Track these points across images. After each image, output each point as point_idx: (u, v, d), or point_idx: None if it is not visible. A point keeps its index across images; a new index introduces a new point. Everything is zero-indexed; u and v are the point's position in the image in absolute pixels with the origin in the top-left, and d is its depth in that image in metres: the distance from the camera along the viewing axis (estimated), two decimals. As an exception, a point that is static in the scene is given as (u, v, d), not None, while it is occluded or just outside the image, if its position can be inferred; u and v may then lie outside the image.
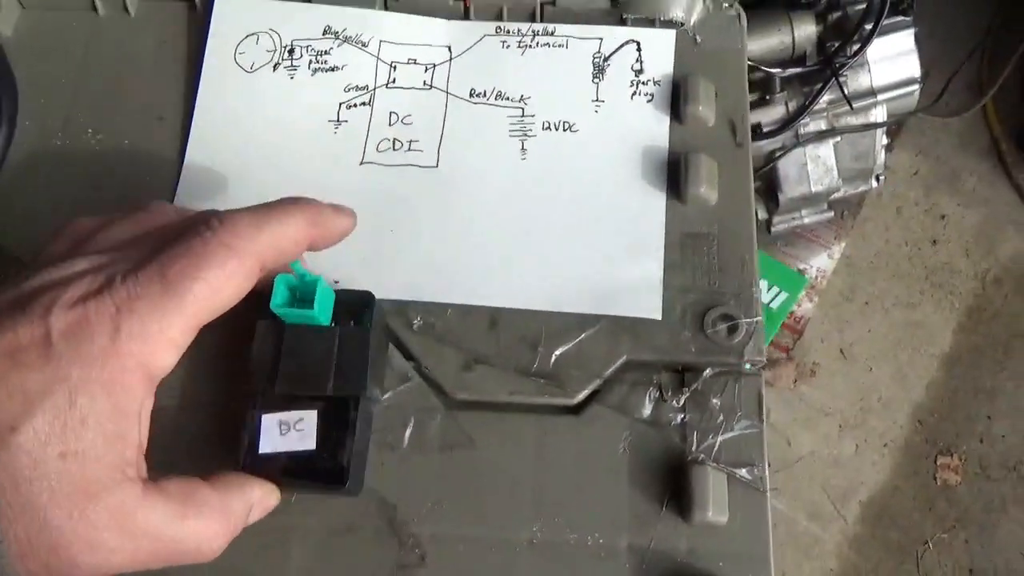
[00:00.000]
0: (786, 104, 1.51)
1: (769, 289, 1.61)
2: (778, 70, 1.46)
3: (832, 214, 1.69)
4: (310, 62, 0.67)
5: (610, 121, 0.66)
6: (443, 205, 0.63)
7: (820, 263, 1.80)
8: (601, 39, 0.68)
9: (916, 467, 1.68)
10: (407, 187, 0.64)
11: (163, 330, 0.43)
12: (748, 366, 0.57)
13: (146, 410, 0.44)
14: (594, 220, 0.62)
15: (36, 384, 0.40)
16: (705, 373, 0.56)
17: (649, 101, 0.66)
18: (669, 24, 0.67)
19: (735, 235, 0.61)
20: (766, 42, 1.49)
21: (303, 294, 0.51)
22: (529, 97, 0.67)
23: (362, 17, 0.68)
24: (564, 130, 0.66)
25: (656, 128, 0.65)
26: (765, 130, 1.51)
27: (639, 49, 0.67)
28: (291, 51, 0.67)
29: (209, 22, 0.68)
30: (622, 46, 0.68)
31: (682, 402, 0.56)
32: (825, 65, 1.46)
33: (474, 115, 0.67)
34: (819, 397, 1.74)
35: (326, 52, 0.67)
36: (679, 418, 0.55)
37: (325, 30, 0.68)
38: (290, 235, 0.49)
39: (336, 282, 0.61)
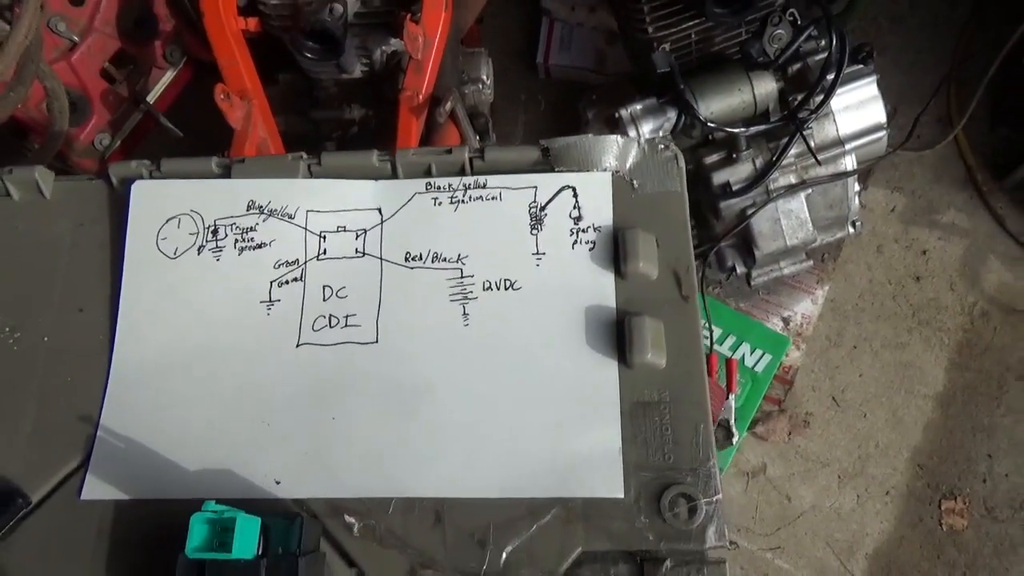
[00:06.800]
0: (753, 161, 1.48)
1: (752, 352, 1.57)
2: (742, 129, 1.44)
3: (811, 263, 1.67)
4: (235, 241, 0.65)
5: (553, 275, 0.63)
6: (385, 385, 0.60)
7: (804, 309, 1.77)
8: (536, 187, 0.65)
9: (920, 514, 1.64)
10: (347, 367, 0.61)
11: None
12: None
13: None
14: (544, 390, 0.59)
15: None
16: (665, 565, 0.52)
17: (591, 250, 0.64)
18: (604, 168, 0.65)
19: (687, 401, 0.58)
20: (727, 102, 1.47)
21: (222, 531, 0.48)
22: (467, 256, 0.64)
23: (286, 188, 0.65)
24: (506, 288, 0.63)
25: (600, 284, 0.62)
26: (735, 188, 1.49)
27: (575, 195, 0.65)
28: (215, 231, 0.65)
29: (128, 204, 0.65)
30: (558, 193, 0.65)
31: (642, 599, 0.52)
32: (789, 120, 1.44)
33: (411, 281, 0.64)
34: (815, 448, 1.70)
35: (251, 229, 0.65)
36: (641, 615, 0.52)
37: (248, 205, 0.65)
38: None
39: (277, 482, 0.58)
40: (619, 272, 0.62)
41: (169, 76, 1.52)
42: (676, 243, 0.62)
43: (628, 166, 0.65)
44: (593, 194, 0.65)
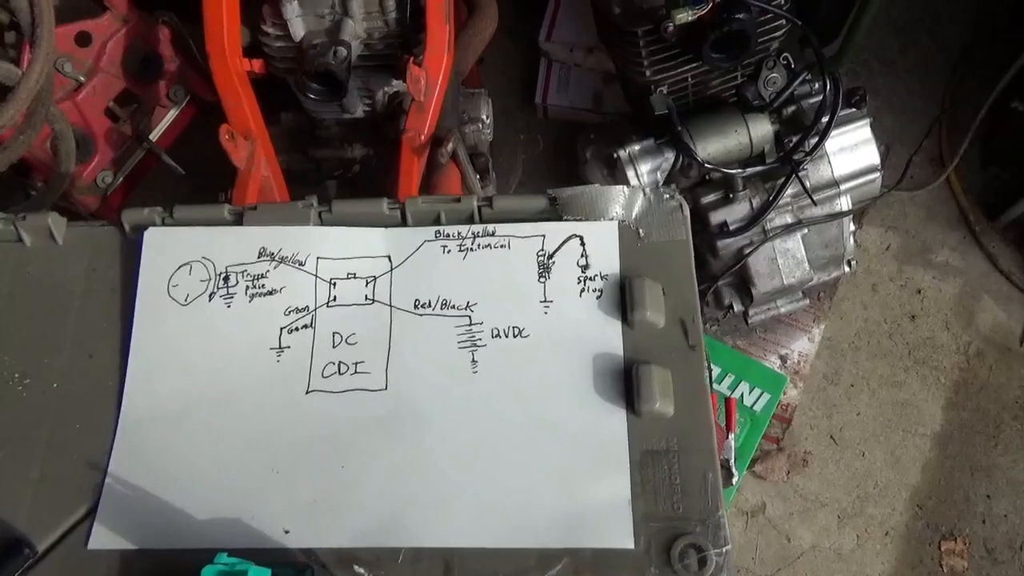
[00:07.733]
0: (750, 201, 1.50)
1: (751, 391, 1.58)
2: (739, 170, 1.46)
3: (808, 301, 1.68)
4: (247, 288, 0.65)
5: (560, 323, 0.64)
6: (394, 434, 0.60)
7: (801, 347, 1.78)
8: (544, 236, 0.66)
9: (921, 555, 1.64)
10: (356, 415, 0.61)
11: None
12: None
13: None
14: (553, 438, 0.59)
15: None
16: (676, 620, 0.52)
17: (598, 298, 0.64)
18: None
19: (696, 449, 0.58)
20: (724, 144, 1.50)
21: (236, 585, 0.48)
22: (475, 303, 0.65)
23: (297, 235, 0.66)
24: (514, 336, 0.64)
25: (608, 332, 0.63)
26: (732, 227, 1.51)
27: (583, 243, 0.66)
28: (226, 278, 0.65)
29: (140, 251, 0.66)
30: (566, 241, 0.66)
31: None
32: (785, 161, 1.46)
33: (420, 328, 0.64)
34: (814, 487, 1.70)
35: (263, 276, 0.65)
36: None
37: (260, 252, 0.66)
38: None
39: (286, 531, 0.58)
40: (626, 320, 0.62)
41: (172, 115, 1.54)
42: (682, 292, 0.63)
43: (634, 215, 0.66)
44: (600, 243, 0.65)
